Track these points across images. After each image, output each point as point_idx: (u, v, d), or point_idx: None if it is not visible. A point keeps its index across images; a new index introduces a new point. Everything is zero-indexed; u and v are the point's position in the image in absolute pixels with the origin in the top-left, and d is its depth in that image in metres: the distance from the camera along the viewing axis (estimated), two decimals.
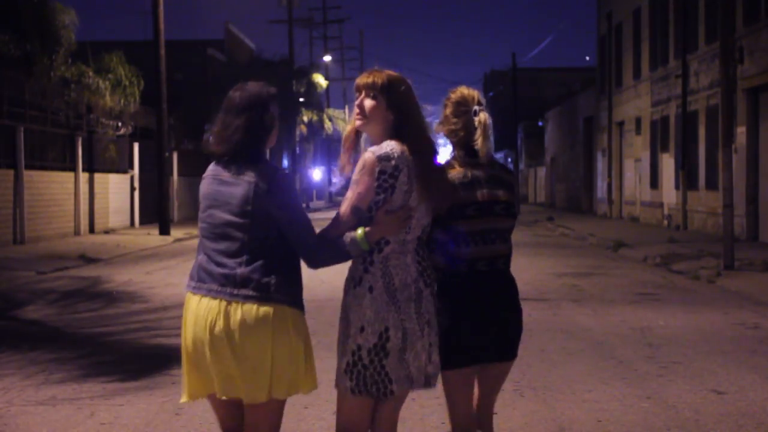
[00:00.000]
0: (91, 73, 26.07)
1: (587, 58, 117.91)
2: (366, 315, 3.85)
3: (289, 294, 3.85)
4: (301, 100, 47.03)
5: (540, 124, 58.73)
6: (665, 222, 29.72)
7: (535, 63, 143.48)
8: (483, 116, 4.20)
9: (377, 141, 3.98)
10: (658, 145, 31.03)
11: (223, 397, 3.89)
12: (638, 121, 33.76)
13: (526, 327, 10.67)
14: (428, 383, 4.01)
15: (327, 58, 66.98)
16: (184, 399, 4.07)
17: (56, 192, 25.36)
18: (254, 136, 3.88)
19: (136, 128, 31.37)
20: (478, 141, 4.19)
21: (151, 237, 26.58)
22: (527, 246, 23.41)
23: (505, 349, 4.26)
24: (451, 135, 4.28)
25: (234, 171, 3.87)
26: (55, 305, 12.97)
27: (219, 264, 3.84)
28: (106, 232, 28.20)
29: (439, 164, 4.07)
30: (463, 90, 4.31)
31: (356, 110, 4.00)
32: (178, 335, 10.22)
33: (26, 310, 12.49)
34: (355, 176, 3.89)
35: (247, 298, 3.78)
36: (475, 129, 4.20)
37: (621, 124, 36.48)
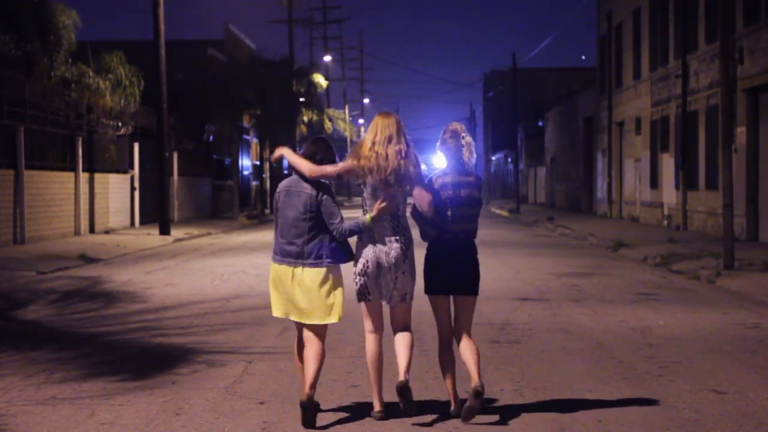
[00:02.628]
0: (91, 73, 26.06)
1: (583, 57, 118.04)
2: (359, 254, 6.53)
3: (334, 258, 6.45)
4: (302, 100, 46.99)
5: (540, 124, 58.72)
6: (665, 222, 29.70)
7: (535, 63, 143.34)
8: (468, 138, 6.66)
9: None
10: (658, 145, 31.00)
11: (298, 320, 6.52)
12: (638, 121, 33.74)
13: (527, 327, 10.71)
14: (392, 300, 6.54)
15: (327, 58, 66.98)
16: (275, 314, 6.66)
17: (56, 192, 25.35)
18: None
19: (136, 128, 31.33)
20: (466, 155, 6.61)
21: (151, 237, 26.58)
22: (527, 246, 23.41)
23: (467, 287, 6.61)
24: (447, 152, 6.62)
25: (297, 185, 6.50)
26: (55, 305, 12.97)
27: (291, 244, 6.46)
28: (106, 232, 28.18)
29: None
30: (455, 124, 6.71)
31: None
32: (179, 335, 10.33)
33: (26, 310, 12.49)
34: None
35: (310, 265, 6.41)
36: (463, 147, 6.60)
37: (621, 124, 36.45)
